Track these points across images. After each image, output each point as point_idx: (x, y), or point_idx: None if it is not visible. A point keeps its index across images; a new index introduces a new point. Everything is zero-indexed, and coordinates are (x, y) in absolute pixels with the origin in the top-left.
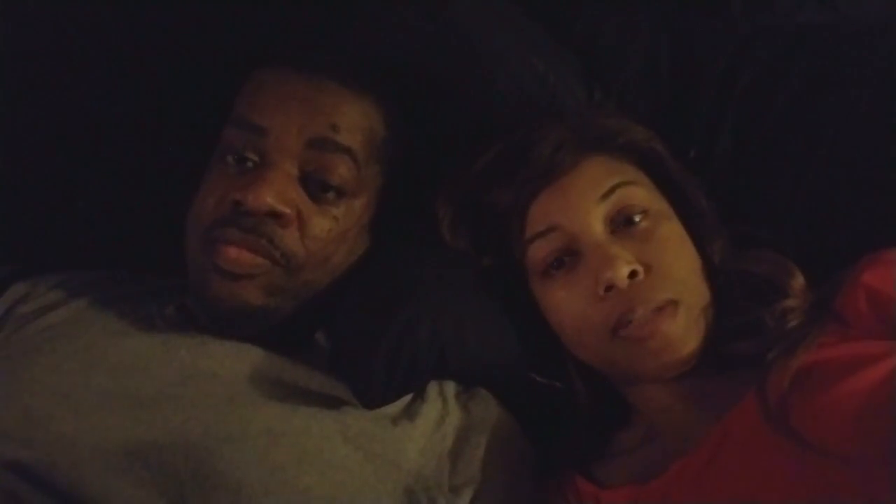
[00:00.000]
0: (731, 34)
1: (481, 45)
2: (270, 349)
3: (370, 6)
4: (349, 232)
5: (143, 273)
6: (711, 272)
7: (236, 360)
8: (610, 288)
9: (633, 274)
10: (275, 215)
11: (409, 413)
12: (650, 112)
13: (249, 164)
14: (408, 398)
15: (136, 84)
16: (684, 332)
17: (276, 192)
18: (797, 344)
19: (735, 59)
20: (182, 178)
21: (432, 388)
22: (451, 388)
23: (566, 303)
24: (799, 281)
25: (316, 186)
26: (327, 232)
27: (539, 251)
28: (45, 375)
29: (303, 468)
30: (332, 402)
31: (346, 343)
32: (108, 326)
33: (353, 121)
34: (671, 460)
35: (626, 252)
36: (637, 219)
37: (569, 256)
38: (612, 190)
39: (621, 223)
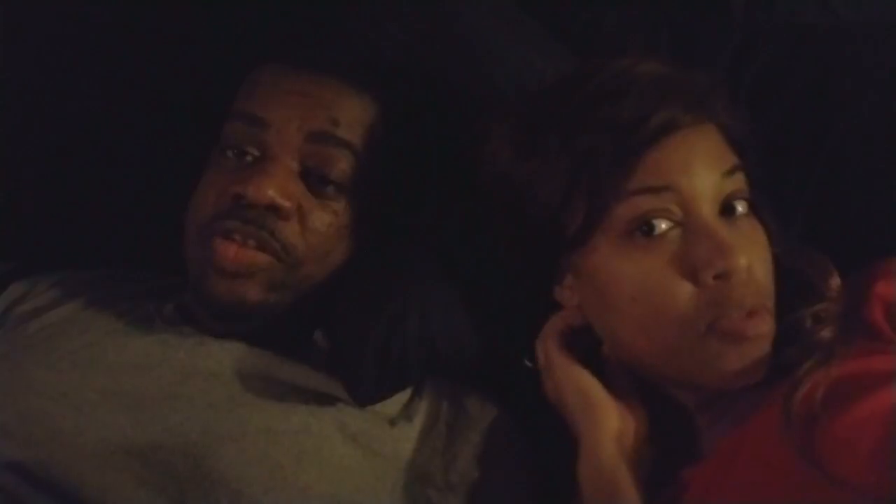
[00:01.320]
0: (732, 34)
1: (479, 42)
2: (269, 348)
3: (369, 3)
4: (348, 227)
5: (141, 271)
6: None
7: (235, 359)
8: (719, 277)
9: (747, 270)
10: (275, 208)
11: (407, 411)
12: None
13: (249, 157)
14: (405, 397)
15: (135, 80)
16: (769, 341)
17: (278, 185)
18: (830, 356)
19: (736, 59)
20: (181, 175)
21: (428, 386)
22: (446, 385)
23: (651, 278)
24: (836, 281)
25: (316, 181)
26: (327, 226)
27: (640, 207)
28: (43, 375)
29: (302, 467)
30: (331, 401)
31: (339, 341)
32: (106, 326)
33: (353, 116)
34: (680, 468)
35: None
36: (740, 209)
37: (666, 224)
38: (734, 169)
39: (726, 210)
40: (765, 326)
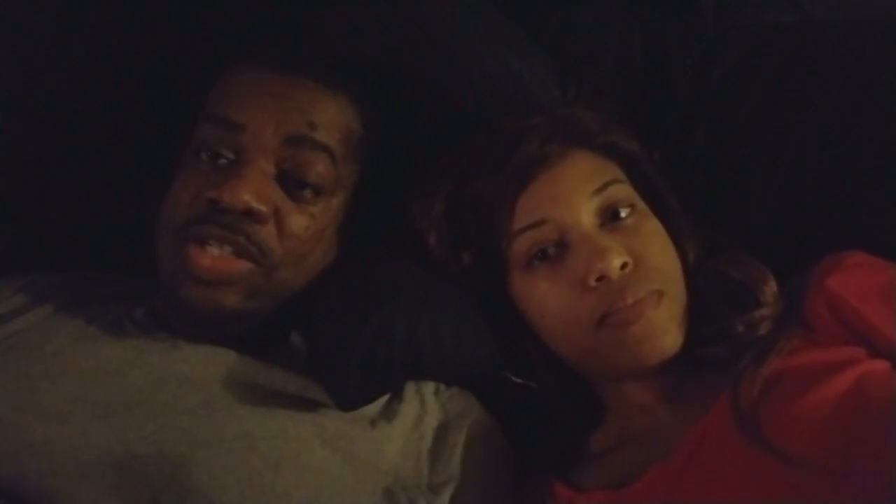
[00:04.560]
0: (702, 32)
1: (456, 44)
2: (245, 351)
3: (345, 4)
4: (326, 230)
5: (110, 273)
6: (687, 273)
7: (210, 363)
8: (601, 279)
9: (623, 265)
10: (251, 213)
11: (387, 413)
12: (623, 109)
13: (224, 160)
14: (385, 398)
15: (106, 80)
16: (667, 321)
17: (254, 190)
18: (767, 352)
19: (707, 57)
20: (152, 176)
21: (410, 388)
22: (428, 387)
23: (550, 295)
24: (772, 288)
25: (293, 184)
26: (304, 230)
27: (526, 243)
28: (12, 384)
29: (280, 472)
30: (309, 405)
31: (322, 345)
32: (76, 332)
33: (330, 119)
34: (646, 465)
35: (616, 244)
36: (624, 213)
37: (554, 248)
38: (604, 186)
39: (608, 218)
40: (651, 310)
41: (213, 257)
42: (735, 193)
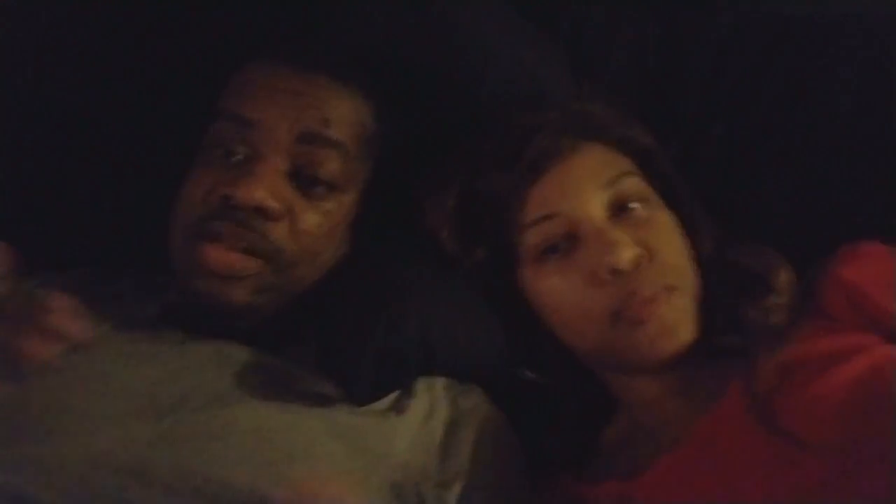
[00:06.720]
0: (717, 26)
1: (470, 39)
2: (256, 346)
3: (359, 0)
4: (338, 227)
5: (121, 270)
6: (700, 264)
7: (221, 358)
8: (613, 272)
9: (636, 258)
10: (264, 210)
11: (398, 408)
12: (637, 104)
13: (237, 157)
14: (396, 393)
15: (122, 77)
16: (681, 316)
17: (267, 187)
18: (781, 339)
19: (722, 51)
20: (166, 173)
21: (421, 383)
22: (439, 383)
23: (563, 288)
24: (786, 275)
25: (306, 181)
26: (317, 227)
27: (537, 236)
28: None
29: (292, 465)
30: (320, 399)
31: (335, 340)
32: None
33: (344, 115)
34: (657, 455)
35: (628, 237)
36: (634, 206)
37: (565, 242)
38: (616, 179)
39: (619, 210)
40: (664, 307)
41: (225, 253)
42: (751, 187)
